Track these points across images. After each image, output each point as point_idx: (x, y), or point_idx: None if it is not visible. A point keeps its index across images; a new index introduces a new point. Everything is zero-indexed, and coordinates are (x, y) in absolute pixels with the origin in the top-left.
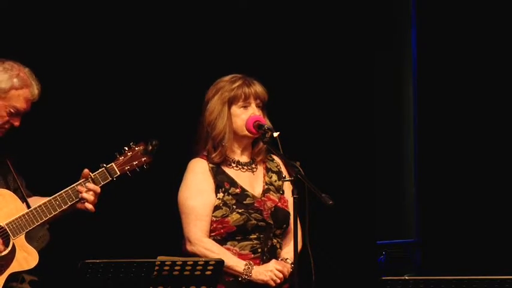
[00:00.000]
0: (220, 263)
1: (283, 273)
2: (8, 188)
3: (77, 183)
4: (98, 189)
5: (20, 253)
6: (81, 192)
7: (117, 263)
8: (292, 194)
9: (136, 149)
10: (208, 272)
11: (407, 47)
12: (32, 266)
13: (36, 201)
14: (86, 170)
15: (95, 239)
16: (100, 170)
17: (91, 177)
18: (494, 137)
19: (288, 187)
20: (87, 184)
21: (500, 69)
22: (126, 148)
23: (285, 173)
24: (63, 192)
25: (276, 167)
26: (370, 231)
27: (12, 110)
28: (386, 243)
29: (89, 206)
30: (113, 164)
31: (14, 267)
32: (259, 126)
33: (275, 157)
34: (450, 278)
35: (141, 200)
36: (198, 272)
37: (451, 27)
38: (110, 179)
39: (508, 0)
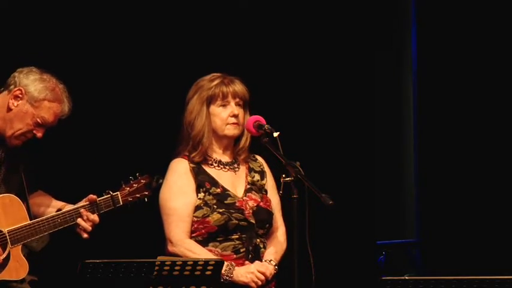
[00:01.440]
0: (220, 263)
1: (265, 275)
2: (14, 190)
3: (82, 206)
4: (97, 220)
5: (12, 262)
6: (82, 217)
7: (117, 263)
8: (292, 194)
9: (142, 181)
10: (208, 272)
11: (408, 47)
12: (20, 278)
13: (39, 199)
14: (94, 196)
15: (95, 239)
16: (106, 196)
17: (96, 203)
18: (495, 137)
19: (271, 187)
20: (88, 214)
21: (500, 69)
22: (132, 179)
23: (268, 173)
24: (67, 212)
25: (259, 166)
26: (370, 231)
27: (39, 120)
28: (387, 243)
29: (84, 235)
30: (118, 193)
31: (3, 276)
32: (259, 126)
33: (258, 157)
34: (450, 278)
35: (141, 200)
36: (198, 272)
37: (451, 27)
38: (112, 207)
39: (508, 0)
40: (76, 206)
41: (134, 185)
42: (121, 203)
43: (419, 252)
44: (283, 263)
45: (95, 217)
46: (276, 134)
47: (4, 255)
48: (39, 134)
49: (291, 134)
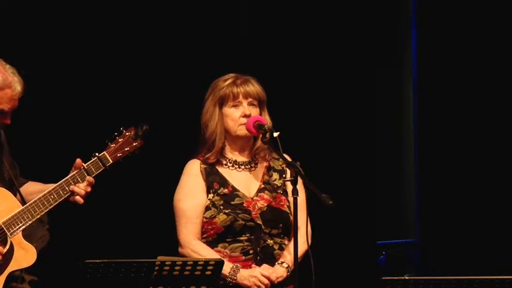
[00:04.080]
0: (220, 263)
1: (269, 279)
2: (4, 181)
3: (70, 175)
4: (91, 180)
5: (18, 251)
6: (73, 184)
7: (117, 263)
8: (292, 194)
9: (127, 134)
10: (208, 272)
11: (408, 47)
12: (31, 263)
13: (31, 187)
14: (79, 160)
15: (95, 239)
16: (92, 159)
17: (84, 168)
18: (494, 137)
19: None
20: (78, 183)
21: (500, 71)
22: (117, 134)
23: (289, 172)
24: (58, 186)
25: (281, 165)
26: (370, 231)
27: None
28: (387, 243)
29: (78, 199)
30: (105, 152)
31: (12, 266)
32: (259, 126)
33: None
34: (450, 278)
35: (142, 200)
36: (198, 272)
37: (451, 30)
38: (103, 168)
39: (508, 1)
40: (65, 178)
41: (120, 139)
42: (111, 161)
43: (419, 252)
44: None
45: (89, 178)
46: (276, 134)
47: (7, 248)
48: (7, 122)
49: (291, 134)
